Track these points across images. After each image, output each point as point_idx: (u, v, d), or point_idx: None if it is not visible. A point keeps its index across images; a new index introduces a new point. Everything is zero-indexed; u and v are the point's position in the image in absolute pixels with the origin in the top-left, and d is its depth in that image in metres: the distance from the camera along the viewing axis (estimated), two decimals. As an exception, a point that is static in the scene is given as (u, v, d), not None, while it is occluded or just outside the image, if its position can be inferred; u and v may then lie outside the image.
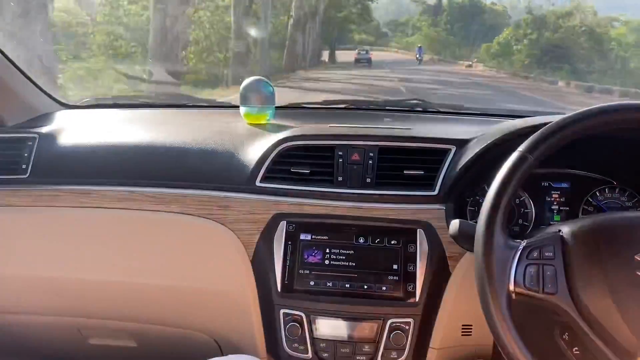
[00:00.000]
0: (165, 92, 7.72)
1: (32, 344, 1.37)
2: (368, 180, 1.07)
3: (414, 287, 1.01)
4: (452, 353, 1.07)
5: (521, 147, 0.78)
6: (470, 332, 1.05)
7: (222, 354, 1.15)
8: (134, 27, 11.22)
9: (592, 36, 17.40)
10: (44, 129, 1.24)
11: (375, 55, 22.41)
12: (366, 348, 1.00)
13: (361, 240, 1.04)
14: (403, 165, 1.07)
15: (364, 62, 20.81)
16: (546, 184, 1.08)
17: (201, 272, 1.12)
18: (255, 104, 1.27)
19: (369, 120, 1.32)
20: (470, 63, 21.00)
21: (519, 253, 0.75)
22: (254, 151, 1.12)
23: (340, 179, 1.07)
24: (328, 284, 1.03)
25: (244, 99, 1.27)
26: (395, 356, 1.00)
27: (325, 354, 1.01)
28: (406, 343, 1.00)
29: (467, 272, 0.99)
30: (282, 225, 1.05)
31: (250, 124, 1.27)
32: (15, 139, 1.22)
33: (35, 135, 1.21)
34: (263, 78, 1.30)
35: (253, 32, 13.92)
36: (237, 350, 1.14)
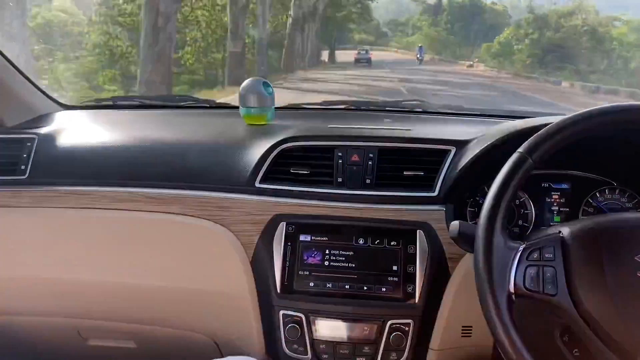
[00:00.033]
0: (156, 94, 7.62)
1: (31, 345, 1.37)
2: (368, 181, 1.07)
3: (414, 288, 1.00)
4: (452, 354, 1.06)
5: (521, 148, 0.77)
6: (470, 333, 1.05)
7: (222, 355, 1.14)
8: (130, 26, 11.17)
9: (594, 36, 17.39)
10: (43, 130, 1.24)
11: (375, 55, 22.43)
12: (366, 349, 1.00)
13: (361, 242, 1.04)
14: (403, 166, 1.07)
15: (363, 62, 20.82)
16: (546, 184, 1.08)
17: (200, 273, 1.12)
18: (254, 104, 1.26)
19: (369, 121, 1.32)
20: (472, 63, 20.98)
21: (519, 254, 0.74)
22: (253, 152, 1.12)
23: (340, 180, 1.07)
24: (328, 285, 1.02)
25: (244, 100, 1.27)
26: (395, 357, 1.00)
27: (325, 355, 1.01)
28: (406, 344, 1.00)
29: (467, 273, 0.99)
30: (282, 226, 1.05)
31: (250, 125, 1.27)
32: (14, 140, 1.22)
33: (34, 136, 1.21)
34: (262, 79, 1.30)
35: (250, 31, 13.80)
36: (236, 352, 1.14)
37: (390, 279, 1.02)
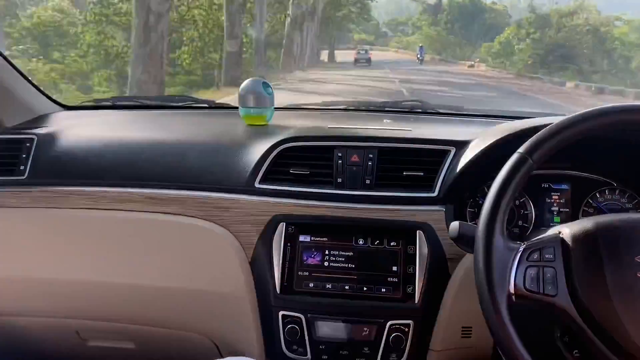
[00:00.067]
0: (147, 95, 7.50)
1: (30, 346, 1.37)
2: (367, 181, 1.06)
3: (414, 289, 1.00)
4: (452, 355, 1.06)
5: (521, 149, 0.77)
6: (470, 334, 1.04)
7: (221, 356, 1.14)
8: (126, 26, 11.07)
9: (597, 35, 17.36)
10: (43, 130, 1.24)
11: (375, 55, 22.42)
12: (365, 350, 1.00)
13: (360, 242, 1.04)
14: (402, 166, 1.07)
15: (363, 62, 20.80)
16: (546, 185, 1.07)
17: (200, 274, 1.12)
18: (254, 105, 1.26)
19: (369, 122, 1.32)
20: (473, 63, 20.95)
21: (519, 255, 0.74)
22: (253, 152, 1.11)
23: (339, 180, 1.07)
24: (327, 285, 1.02)
25: (243, 100, 1.27)
26: (395, 358, 1.00)
27: (325, 356, 1.00)
28: (406, 345, 0.99)
29: (467, 274, 0.99)
30: (281, 226, 1.05)
31: (249, 125, 1.27)
32: (13, 140, 1.21)
33: (34, 137, 1.21)
34: (262, 79, 1.30)
35: (247, 31, 13.63)
36: (235, 352, 1.14)
37: (390, 279, 1.01)
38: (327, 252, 1.04)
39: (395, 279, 1.01)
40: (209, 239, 1.09)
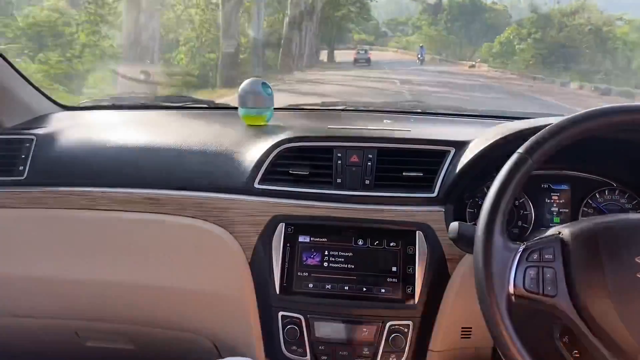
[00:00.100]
0: (136, 96, 7.36)
1: (29, 346, 1.37)
2: (367, 182, 1.06)
3: (413, 290, 1.00)
4: (452, 356, 1.06)
5: (521, 149, 0.77)
6: (470, 334, 1.04)
7: (221, 357, 1.14)
8: (121, 25, 10.97)
9: (599, 35, 17.31)
10: (42, 131, 1.24)
11: (375, 55, 22.36)
12: (365, 351, 1.00)
13: (360, 242, 1.04)
14: (402, 167, 1.06)
15: (362, 62, 20.76)
16: (546, 185, 1.07)
17: (199, 275, 1.12)
18: (253, 105, 1.26)
19: (368, 122, 1.32)
20: (474, 63, 20.88)
21: (518, 255, 0.74)
22: (252, 153, 1.11)
23: (339, 180, 1.07)
24: (327, 286, 1.02)
25: (243, 101, 1.27)
26: (395, 358, 0.99)
27: (324, 357, 1.00)
28: (405, 345, 0.99)
29: (467, 275, 0.99)
30: (281, 227, 1.05)
31: (249, 125, 1.27)
32: (12, 140, 1.21)
33: (33, 137, 1.21)
34: (261, 79, 1.30)
35: (245, 30, 13.42)
36: (235, 353, 1.14)
37: (389, 280, 1.01)
38: (326, 253, 1.03)
39: (394, 280, 1.01)
40: (208, 239, 1.09)
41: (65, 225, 1.15)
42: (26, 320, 1.27)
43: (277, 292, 1.02)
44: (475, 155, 1.00)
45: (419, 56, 22.04)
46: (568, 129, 0.76)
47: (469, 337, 1.05)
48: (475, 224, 0.78)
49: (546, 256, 0.74)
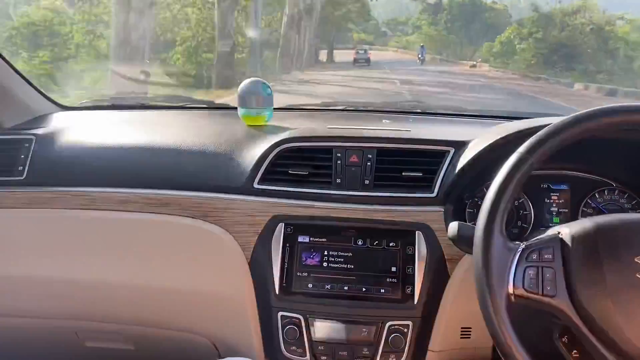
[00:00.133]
0: (128, 97, 7.20)
1: (28, 347, 1.37)
2: (366, 182, 1.06)
3: (413, 290, 1.00)
4: (451, 356, 1.06)
5: (521, 149, 0.77)
6: (469, 334, 1.04)
7: (220, 357, 1.14)
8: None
9: (600, 34, 17.25)
10: (41, 131, 1.24)
11: (375, 54, 22.29)
12: (365, 351, 1.00)
13: (359, 243, 1.04)
14: (401, 167, 1.06)
15: (362, 62, 20.72)
16: (545, 185, 1.07)
17: (199, 275, 1.12)
18: (253, 105, 1.26)
19: (368, 122, 1.32)
20: (474, 63, 20.81)
21: (518, 255, 0.74)
22: (252, 153, 1.11)
23: (338, 180, 1.07)
24: (326, 286, 1.02)
25: (242, 101, 1.27)
26: (394, 359, 0.99)
27: (324, 357, 1.00)
28: (405, 346, 0.99)
29: (466, 275, 0.99)
30: (280, 227, 1.05)
31: (249, 126, 1.27)
32: (12, 141, 1.21)
33: (32, 137, 1.21)
34: (261, 79, 1.30)
35: (242, 30, 13.22)
36: (234, 353, 1.14)
37: (389, 280, 1.01)
38: (326, 253, 1.03)
39: (394, 280, 1.01)
40: (208, 239, 1.09)
41: (64, 225, 1.15)
42: (26, 321, 1.27)
43: (277, 292, 1.02)
44: (475, 155, 1.00)
45: (420, 56, 21.95)
46: (569, 129, 0.76)
47: (469, 337, 1.05)
48: (474, 224, 0.78)
49: (546, 256, 0.74)
